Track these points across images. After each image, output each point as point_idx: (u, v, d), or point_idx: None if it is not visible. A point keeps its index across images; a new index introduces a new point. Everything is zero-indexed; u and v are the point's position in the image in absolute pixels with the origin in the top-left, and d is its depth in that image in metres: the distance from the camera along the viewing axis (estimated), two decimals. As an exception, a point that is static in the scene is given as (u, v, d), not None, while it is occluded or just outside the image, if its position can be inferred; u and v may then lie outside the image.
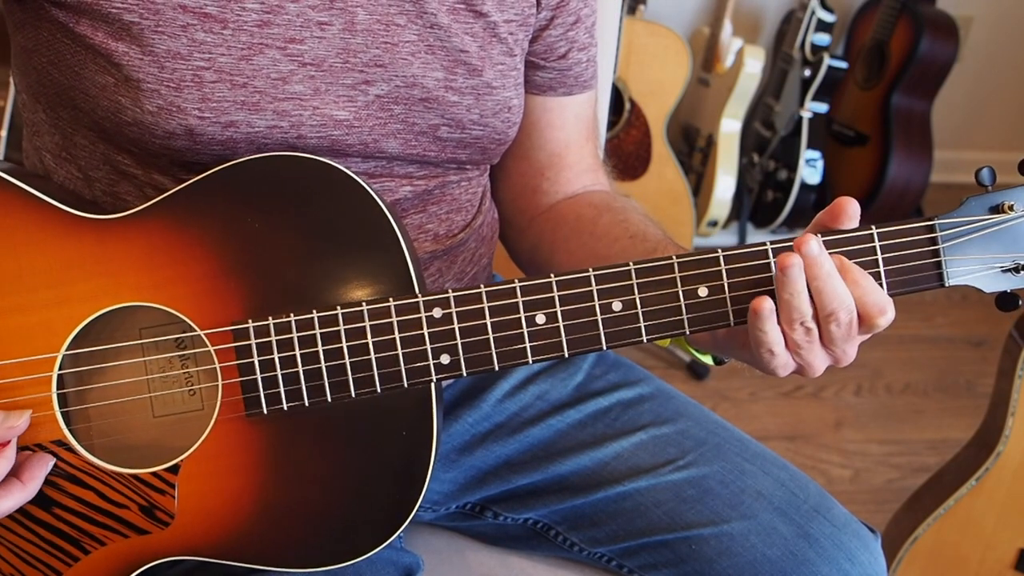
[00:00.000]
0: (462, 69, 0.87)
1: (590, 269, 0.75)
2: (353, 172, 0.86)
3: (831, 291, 0.72)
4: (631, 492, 0.97)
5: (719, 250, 0.75)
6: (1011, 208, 0.74)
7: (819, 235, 0.75)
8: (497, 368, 0.77)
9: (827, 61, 2.54)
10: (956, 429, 2.21)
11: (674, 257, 0.75)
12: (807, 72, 2.57)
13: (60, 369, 0.78)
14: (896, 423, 2.28)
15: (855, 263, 0.74)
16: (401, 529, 0.80)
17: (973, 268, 0.75)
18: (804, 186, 2.62)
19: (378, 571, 0.87)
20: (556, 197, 1.02)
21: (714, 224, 2.64)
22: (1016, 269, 0.75)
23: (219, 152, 0.82)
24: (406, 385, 0.77)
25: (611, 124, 2.48)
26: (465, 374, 0.77)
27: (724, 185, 2.59)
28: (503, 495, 1.01)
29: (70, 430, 0.78)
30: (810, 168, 2.62)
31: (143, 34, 0.79)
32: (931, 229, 0.75)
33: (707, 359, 0.87)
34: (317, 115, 0.83)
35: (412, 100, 0.86)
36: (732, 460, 0.97)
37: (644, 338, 0.76)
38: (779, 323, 0.74)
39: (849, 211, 0.75)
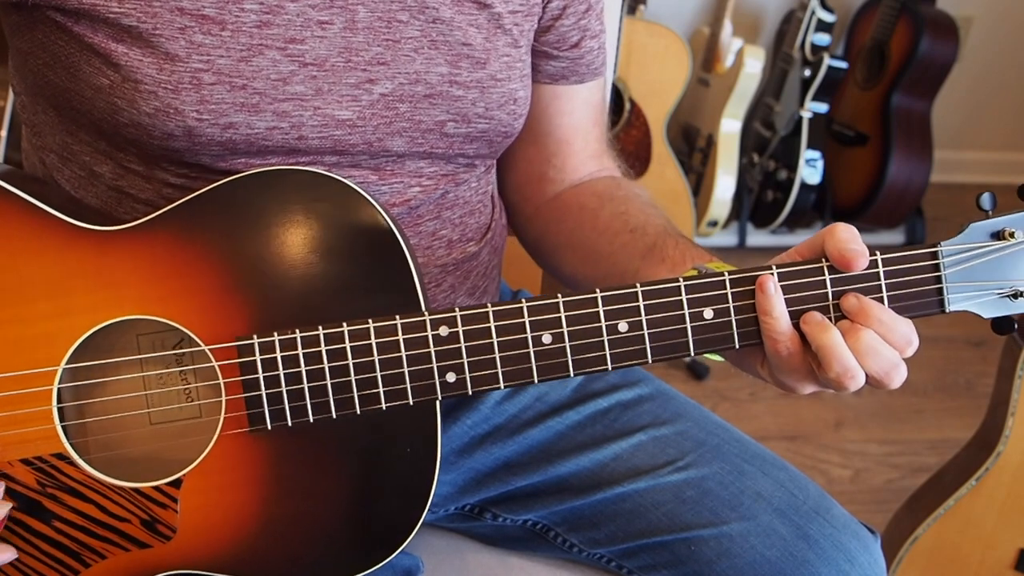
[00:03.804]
0: (466, 63, 0.87)
1: (597, 290, 0.75)
2: (364, 171, 0.87)
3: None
4: (630, 493, 0.97)
5: (725, 273, 0.75)
6: (1012, 235, 0.74)
7: (824, 262, 0.74)
8: (503, 387, 0.77)
9: (827, 61, 2.54)
10: (956, 429, 2.21)
11: (680, 279, 0.75)
12: (807, 72, 2.57)
13: (60, 382, 0.77)
14: (896, 423, 2.28)
15: (861, 288, 0.74)
16: (403, 547, 0.80)
17: (973, 294, 0.75)
18: (804, 186, 2.62)
19: (377, 573, 0.87)
20: (562, 185, 1.03)
21: (714, 224, 2.64)
22: (1015, 295, 0.75)
23: (218, 152, 0.82)
24: (411, 403, 0.77)
25: (611, 124, 2.48)
26: (471, 392, 0.77)
27: (724, 185, 2.60)
28: (502, 496, 1.01)
29: (71, 443, 0.78)
30: (810, 168, 2.62)
31: (142, 36, 0.79)
32: (935, 255, 0.74)
33: (716, 357, 0.87)
34: (318, 115, 0.83)
35: (417, 97, 0.86)
36: (731, 461, 0.97)
37: (649, 359, 0.76)
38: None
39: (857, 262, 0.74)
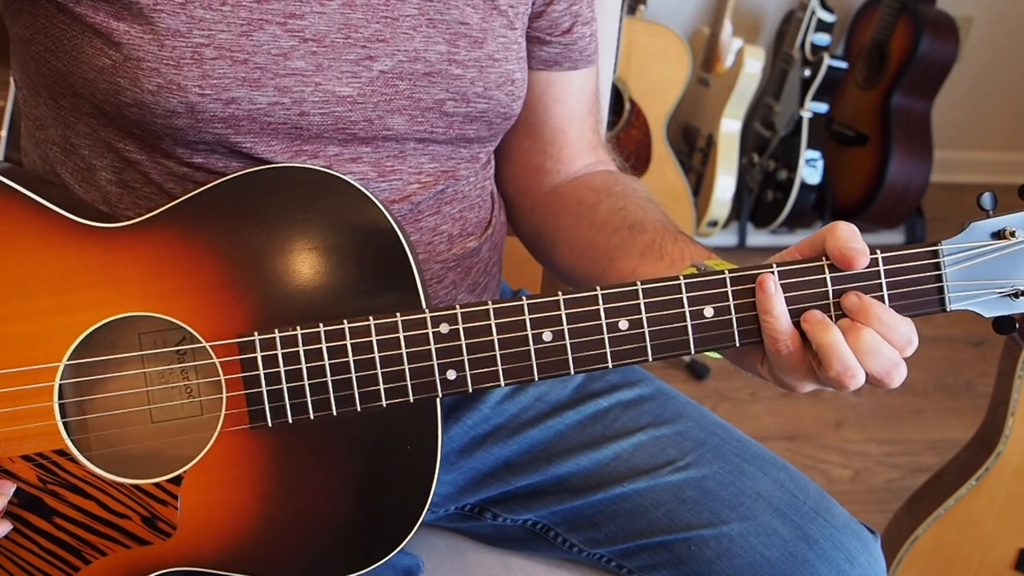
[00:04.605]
0: (464, 42, 0.87)
1: (597, 288, 0.75)
2: (364, 166, 0.87)
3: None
4: (630, 493, 0.97)
5: (725, 271, 0.75)
6: (1012, 235, 0.74)
7: (825, 260, 0.74)
8: (503, 385, 0.77)
9: (827, 61, 2.54)
10: (956, 429, 2.21)
11: (681, 277, 0.75)
12: (807, 72, 2.57)
13: (62, 378, 0.77)
14: (896, 423, 2.28)
15: (861, 287, 0.74)
16: (403, 544, 0.80)
17: (974, 293, 0.75)
18: (804, 186, 2.63)
19: (378, 573, 0.87)
20: (558, 177, 1.03)
21: (714, 224, 2.64)
22: (1016, 295, 0.75)
23: (221, 130, 0.82)
24: (412, 400, 0.77)
25: (611, 124, 2.48)
26: (471, 390, 0.77)
27: (724, 185, 2.60)
28: (502, 496, 1.01)
29: (72, 439, 0.78)
30: (810, 168, 2.62)
31: (142, 12, 0.79)
32: (935, 254, 0.75)
33: (715, 355, 0.87)
34: (319, 91, 0.83)
35: (416, 75, 0.86)
36: (731, 461, 0.97)
37: (650, 357, 0.76)
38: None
39: (858, 261, 0.74)
